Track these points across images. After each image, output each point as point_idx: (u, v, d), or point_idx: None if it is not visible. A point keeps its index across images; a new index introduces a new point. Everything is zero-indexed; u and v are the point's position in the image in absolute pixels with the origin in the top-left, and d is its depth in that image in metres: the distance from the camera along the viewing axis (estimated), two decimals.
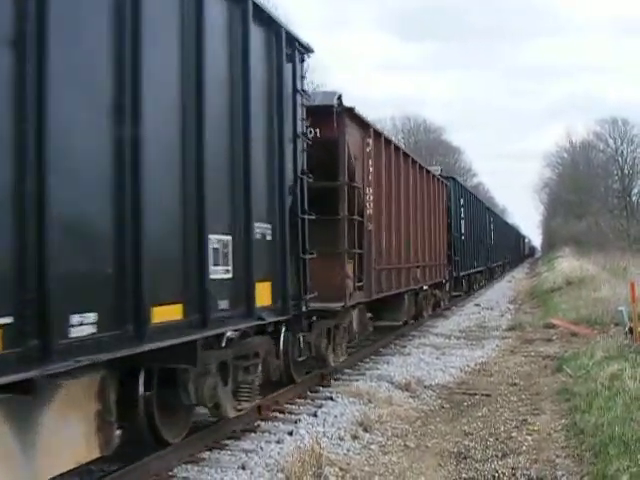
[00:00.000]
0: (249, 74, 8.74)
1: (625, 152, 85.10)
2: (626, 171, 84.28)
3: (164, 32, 7.19)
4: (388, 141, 17.49)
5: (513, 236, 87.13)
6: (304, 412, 11.23)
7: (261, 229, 9.11)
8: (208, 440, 9.41)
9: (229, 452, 9.20)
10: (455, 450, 9.51)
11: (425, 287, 22.61)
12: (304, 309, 10.60)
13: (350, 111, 13.84)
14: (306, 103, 11.11)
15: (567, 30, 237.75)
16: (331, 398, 12.13)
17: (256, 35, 9.11)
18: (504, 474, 8.39)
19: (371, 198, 15.21)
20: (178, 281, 7.32)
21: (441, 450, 9.56)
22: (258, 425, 10.46)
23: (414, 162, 20.60)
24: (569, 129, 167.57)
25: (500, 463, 8.81)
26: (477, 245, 38.39)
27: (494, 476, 8.37)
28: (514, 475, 8.37)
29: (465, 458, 9.14)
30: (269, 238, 9.40)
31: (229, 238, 8.26)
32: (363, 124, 15.05)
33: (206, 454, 9.03)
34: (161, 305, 6.87)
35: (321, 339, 13.08)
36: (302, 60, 10.89)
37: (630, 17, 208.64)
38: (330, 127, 13.09)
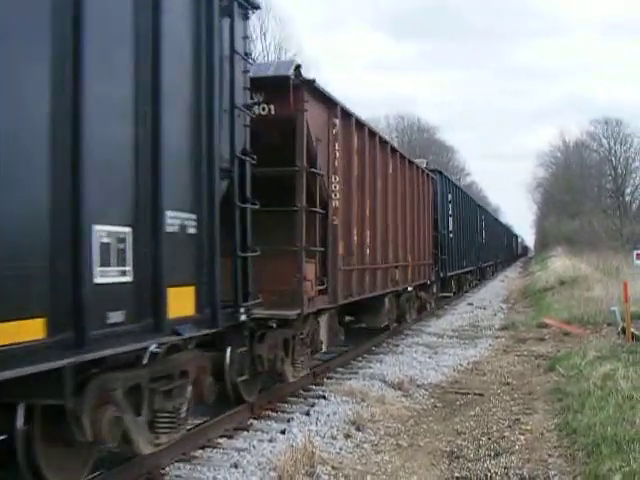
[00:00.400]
0: (160, 24, 6.82)
1: (618, 152, 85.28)
2: (619, 171, 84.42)
3: None
4: (361, 124, 15.02)
5: (505, 235, 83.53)
6: (297, 411, 11.22)
7: (179, 220, 7.16)
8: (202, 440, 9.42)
9: (221, 450, 9.19)
10: (448, 449, 9.51)
11: (409, 288, 20.98)
12: (243, 318, 8.78)
13: (310, 84, 11.67)
14: (254, 71, 9.67)
15: (562, 30, 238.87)
16: (324, 397, 12.11)
17: None
18: (496, 473, 8.38)
19: (337, 188, 12.96)
20: (40, 288, 5.36)
21: (434, 449, 9.56)
22: (251, 424, 10.46)
23: (394, 151, 18.54)
24: (562, 129, 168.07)
25: (492, 462, 8.79)
26: (467, 244, 36.58)
27: (486, 475, 8.35)
28: (506, 474, 8.35)
29: (458, 457, 9.14)
30: (192, 231, 7.44)
31: (128, 230, 6.36)
32: (328, 101, 12.85)
33: (199, 452, 9.02)
34: (6, 321, 4.98)
35: (276, 352, 11.16)
36: (245, 17, 9.06)
37: (620, 17, 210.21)
38: (286, 103, 11.05)
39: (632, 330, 16.46)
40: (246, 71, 9.12)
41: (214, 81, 7.93)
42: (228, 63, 8.45)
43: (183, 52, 7.52)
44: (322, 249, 12.41)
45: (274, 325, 11.08)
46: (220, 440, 9.61)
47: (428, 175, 24.75)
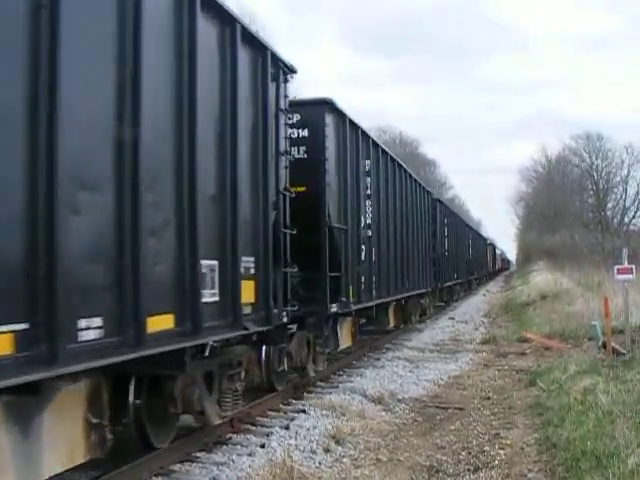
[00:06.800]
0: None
1: (600, 167, 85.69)
2: (601, 186, 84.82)
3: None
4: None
5: (479, 245, 65.04)
6: (276, 425, 11.17)
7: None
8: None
9: (200, 464, 9.14)
10: (427, 464, 9.48)
11: None
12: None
13: None
14: None
15: (537, 45, 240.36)
16: (304, 411, 12.06)
17: None
18: None
19: None
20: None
21: (413, 464, 9.53)
22: (230, 437, 10.40)
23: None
24: (544, 144, 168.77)
25: (472, 477, 8.81)
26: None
27: None
28: None
29: (437, 472, 9.12)
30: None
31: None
32: None
33: (177, 466, 8.96)
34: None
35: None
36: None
37: (595, 34, 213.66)
38: None
39: (613, 345, 16.50)
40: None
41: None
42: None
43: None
44: None
45: None
46: (199, 454, 9.55)
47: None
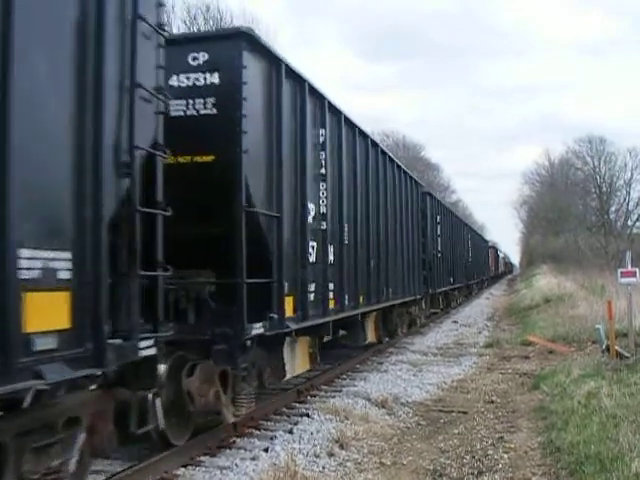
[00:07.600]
0: None
1: (603, 170, 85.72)
2: (604, 189, 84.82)
3: None
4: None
5: (480, 247, 60.70)
6: (280, 429, 11.15)
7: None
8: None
9: (204, 469, 9.12)
10: (431, 467, 9.47)
11: None
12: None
13: None
14: None
15: (539, 49, 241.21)
16: (307, 415, 12.05)
17: None
18: None
19: None
20: None
21: (417, 467, 9.51)
22: (234, 441, 10.39)
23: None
24: (548, 147, 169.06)
25: None
26: None
27: None
28: None
29: (441, 476, 9.11)
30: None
31: None
32: None
33: (180, 471, 8.95)
34: None
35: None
36: None
37: (590, 38, 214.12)
38: None
39: (616, 348, 16.47)
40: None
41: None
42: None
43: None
44: None
45: None
46: (203, 458, 9.55)
47: None
